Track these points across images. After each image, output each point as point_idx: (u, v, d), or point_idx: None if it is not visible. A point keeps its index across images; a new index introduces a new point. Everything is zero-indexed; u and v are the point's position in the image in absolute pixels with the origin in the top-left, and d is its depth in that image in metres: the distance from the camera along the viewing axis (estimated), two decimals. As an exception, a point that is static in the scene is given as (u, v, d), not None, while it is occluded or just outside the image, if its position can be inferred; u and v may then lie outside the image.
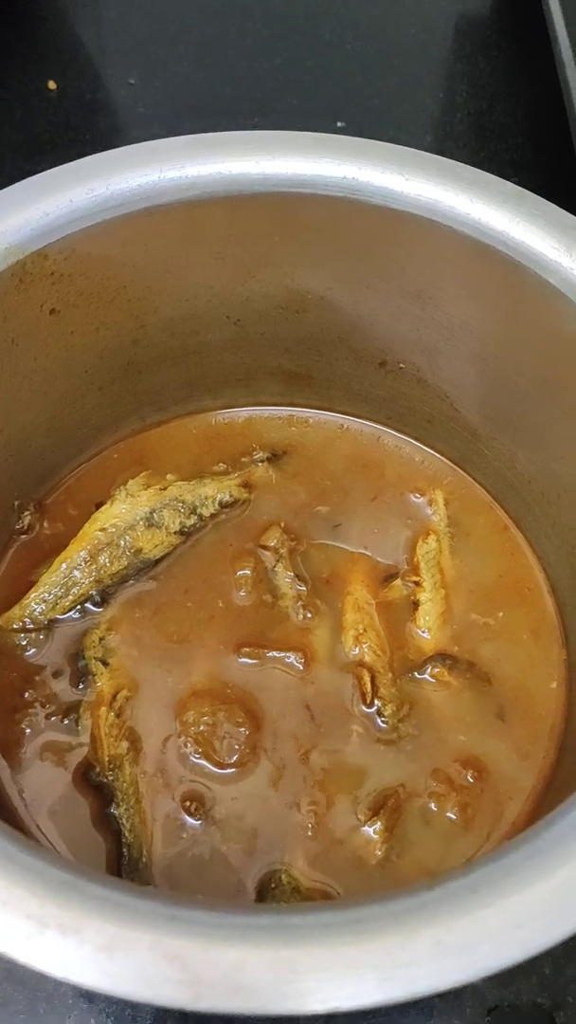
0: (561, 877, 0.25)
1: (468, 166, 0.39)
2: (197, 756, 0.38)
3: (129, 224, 0.38)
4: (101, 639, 0.41)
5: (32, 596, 0.41)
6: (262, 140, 0.39)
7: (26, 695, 0.39)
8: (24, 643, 0.41)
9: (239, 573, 0.43)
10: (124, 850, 0.36)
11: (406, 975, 0.23)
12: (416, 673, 0.41)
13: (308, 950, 0.23)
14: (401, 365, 0.45)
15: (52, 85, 0.70)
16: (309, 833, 0.37)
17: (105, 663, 0.40)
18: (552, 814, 0.26)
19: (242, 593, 0.43)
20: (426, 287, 0.41)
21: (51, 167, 0.38)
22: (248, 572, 0.43)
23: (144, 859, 0.36)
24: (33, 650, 0.41)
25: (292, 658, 0.41)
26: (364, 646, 0.41)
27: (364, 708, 0.40)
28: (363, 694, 0.40)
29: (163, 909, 0.24)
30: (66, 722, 0.39)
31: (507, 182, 0.38)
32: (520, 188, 0.38)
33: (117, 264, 0.39)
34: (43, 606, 0.41)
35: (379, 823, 0.37)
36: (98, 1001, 0.37)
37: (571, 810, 0.26)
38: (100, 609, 0.42)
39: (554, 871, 0.25)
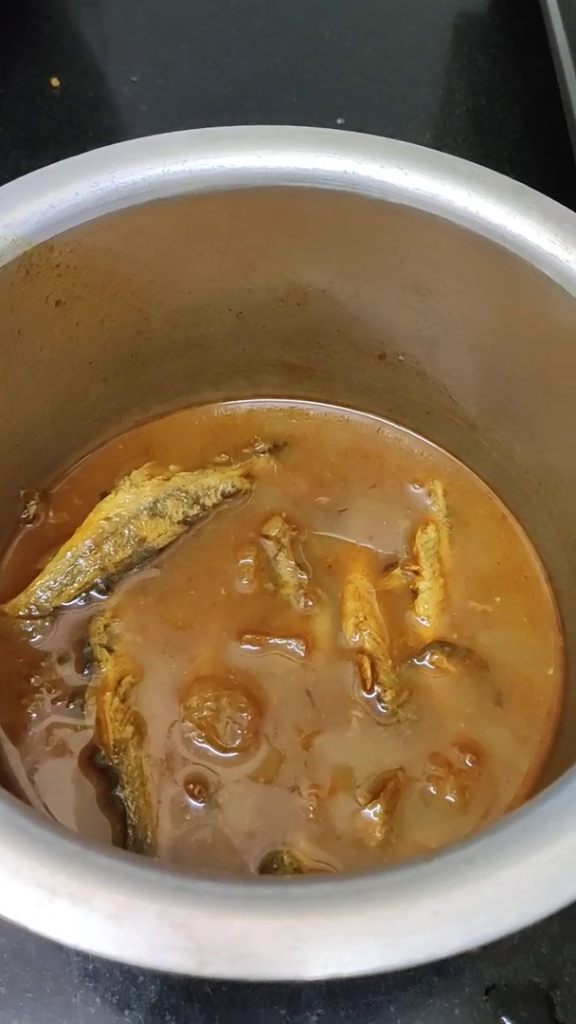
0: (555, 850, 0.25)
1: (466, 161, 0.39)
2: (200, 740, 0.39)
3: (133, 217, 0.39)
4: (106, 626, 0.42)
5: (37, 584, 0.42)
6: (264, 135, 0.40)
7: (32, 680, 0.40)
8: (30, 630, 0.41)
9: (241, 562, 0.44)
10: (129, 831, 0.37)
11: (406, 943, 0.23)
12: (415, 660, 0.42)
13: (310, 919, 0.24)
14: (400, 357, 0.46)
15: (55, 83, 0.70)
16: (310, 816, 0.38)
17: (110, 649, 0.41)
18: (546, 791, 0.27)
19: (244, 581, 0.43)
20: (425, 280, 0.41)
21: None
22: (250, 561, 0.44)
23: (149, 840, 0.37)
24: (39, 637, 0.41)
25: (294, 645, 0.41)
26: (364, 633, 0.42)
27: (364, 694, 0.40)
28: (363, 680, 0.41)
29: (170, 880, 0.24)
30: (71, 707, 0.39)
31: (504, 176, 0.39)
32: (517, 182, 0.39)
33: (121, 257, 0.40)
34: (48, 594, 0.42)
35: (379, 805, 0.38)
36: (103, 980, 0.38)
37: (565, 787, 0.27)
38: (105, 597, 0.42)
39: (548, 844, 0.25)
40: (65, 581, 0.42)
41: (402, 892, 0.24)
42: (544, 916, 0.24)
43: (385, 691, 0.40)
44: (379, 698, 0.40)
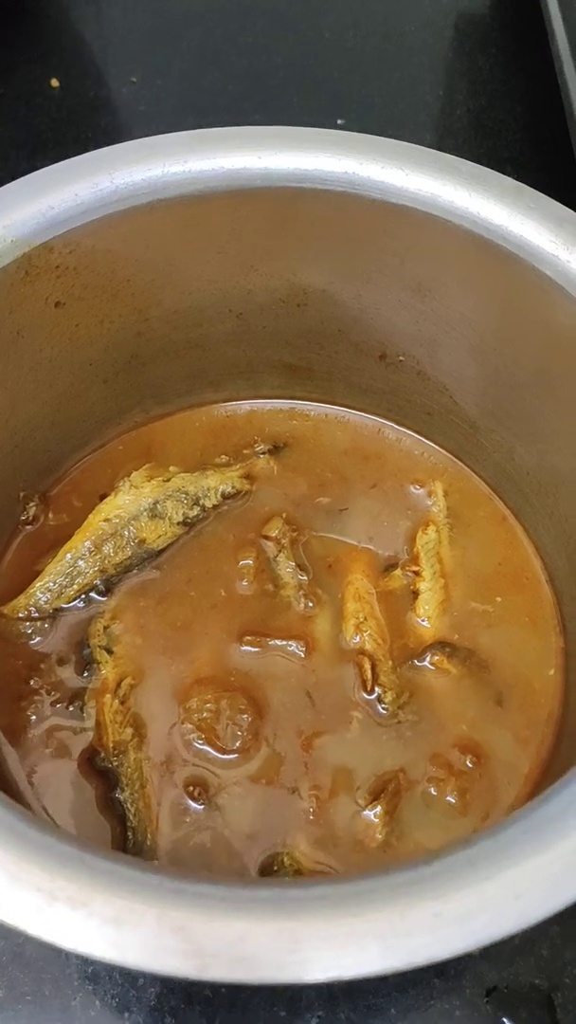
0: (557, 851, 0.25)
1: (467, 161, 0.39)
2: (200, 742, 0.39)
3: (133, 218, 0.39)
4: (106, 628, 0.41)
5: (37, 585, 0.42)
6: (264, 135, 0.39)
7: (31, 682, 0.40)
8: (29, 631, 0.41)
9: (241, 563, 0.44)
10: (129, 834, 0.36)
11: (406, 945, 0.23)
12: (416, 661, 0.41)
13: (310, 921, 0.24)
14: (401, 358, 0.46)
15: (55, 83, 0.70)
16: (310, 817, 0.38)
17: (109, 651, 0.41)
18: (547, 792, 0.27)
19: (244, 583, 0.43)
20: (425, 280, 0.41)
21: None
22: (250, 562, 0.44)
23: (149, 842, 0.36)
24: (38, 638, 0.41)
25: (294, 646, 0.41)
26: (365, 634, 0.42)
27: (365, 695, 0.40)
28: (364, 681, 0.40)
29: (168, 883, 0.24)
30: (71, 709, 0.39)
31: (505, 177, 0.39)
32: (518, 182, 0.38)
33: (121, 257, 0.40)
34: (48, 595, 0.42)
35: (379, 807, 0.37)
36: (102, 983, 0.38)
37: (565, 788, 0.27)
38: (104, 598, 0.42)
39: (550, 846, 0.25)
40: (64, 583, 0.42)
41: (402, 894, 0.24)
42: (546, 917, 0.24)
43: (386, 692, 0.40)
44: (380, 699, 0.40)
